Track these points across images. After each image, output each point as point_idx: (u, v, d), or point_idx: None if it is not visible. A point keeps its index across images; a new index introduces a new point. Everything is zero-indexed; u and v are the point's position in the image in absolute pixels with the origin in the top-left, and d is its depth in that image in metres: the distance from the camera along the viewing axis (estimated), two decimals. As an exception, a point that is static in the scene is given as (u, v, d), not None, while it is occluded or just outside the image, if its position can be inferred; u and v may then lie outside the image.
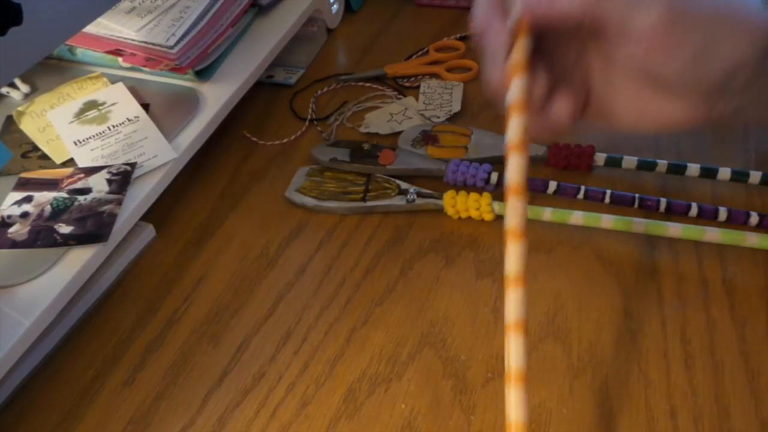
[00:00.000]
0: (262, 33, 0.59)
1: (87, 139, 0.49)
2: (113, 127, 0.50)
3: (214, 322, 0.43)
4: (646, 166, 0.48)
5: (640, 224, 0.44)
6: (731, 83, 0.30)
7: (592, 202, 0.47)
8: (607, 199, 0.46)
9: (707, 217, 0.45)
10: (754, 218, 0.44)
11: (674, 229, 0.43)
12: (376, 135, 0.55)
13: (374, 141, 0.53)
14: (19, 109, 0.52)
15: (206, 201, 0.51)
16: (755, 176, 0.47)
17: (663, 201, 0.45)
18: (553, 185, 0.47)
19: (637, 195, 0.46)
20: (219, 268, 0.46)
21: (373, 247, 0.46)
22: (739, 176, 0.47)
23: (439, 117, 0.55)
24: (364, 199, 0.48)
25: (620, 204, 0.46)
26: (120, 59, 0.55)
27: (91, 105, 0.52)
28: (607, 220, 0.44)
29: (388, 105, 0.58)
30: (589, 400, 0.36)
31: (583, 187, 0.47)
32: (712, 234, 0.43)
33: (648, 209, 0.46)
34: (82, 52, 0.56)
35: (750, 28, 0.29)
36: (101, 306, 0.44)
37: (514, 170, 0.29)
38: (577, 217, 0.44)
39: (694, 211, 0.45)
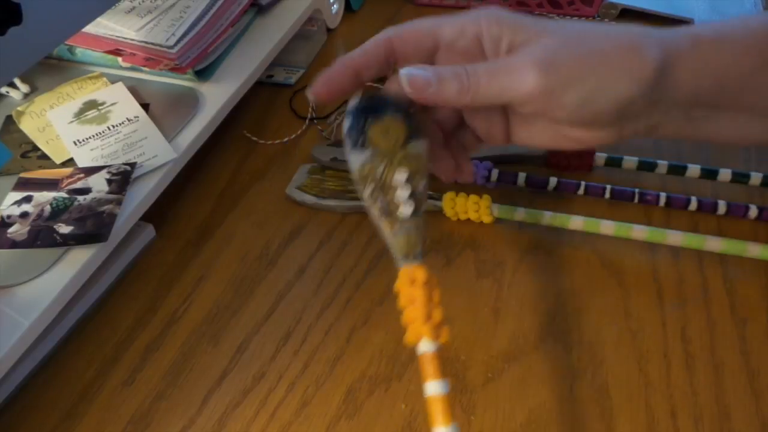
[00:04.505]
0: (262, 33, 0.59)
1: (87, 139, 0.49)
2: (113, 127, 0.50)
3: (214, 322, 0.43)
4: (646, 166, 0.48)
5: (641, 231, 0.43)
6: (628, 112, 0.31)
7: (592, 197, 0.47)
8: (607, 194, 0.46)
9: (706, 210, 0.45)
10: (753, 211, 0.44)
11: (675, 237, 0.43)
12: (376, 135, 0.55)
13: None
14: (19, 108, 0.52)
15: (206, 201, 0.51)
16: (756, 177, 0.47)
17: (663, 195, 0.46)
18: (553, 181, 0.47)
19: (637, 189, 0.46)
20: (219, 268, 0.46)
21: (374, 246, 0.46)
22: (740, 177, 0.47)
23: (439, 117, 0.55)
24: None
25: (620, 199, 0.46)
26: (120, 59, 0.54)
27: (91, 105, 0.52)
28: (607, 226, 0.44)
29: (388, 105, 0.58)
30: (589, 400, 0.36)
31: (583, 183, 0.47)
32: (714, 243, 0.43)
33: (648, 203, 0.46)
34: (81, 52, 0.56)
35: (633, 67, 0.30)
36: (101, 306, 0.44)
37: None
38: (576, 222, 0.44)
39: (693, 205, 0.45)
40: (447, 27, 0.33)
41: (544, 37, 0.31)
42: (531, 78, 0.30)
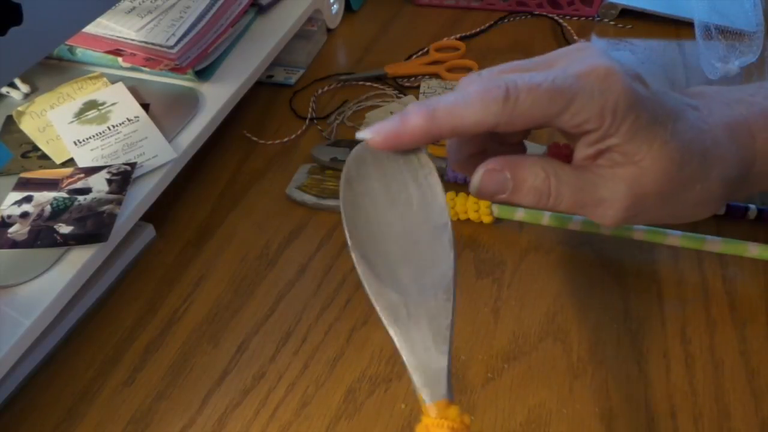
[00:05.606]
0: (262, 33, 0.59)
1: (87, 139, 0.49)
2: (113, 127, 0.50)
3: (214, 322, 0.43)
4: (646, 166, 0.48)
5: (641, 231, 0.43)
6: (714, 209, 0.32)
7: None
8: None
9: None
10: (752, 212, 0.44)
11: (675, 237, 0.43)
12: (376, 135, 0.55)
13: (374, 141, 0.53)
14: (19, 109, 0.52)
15: (206, 201, 0.51)
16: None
17: None
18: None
19: None
20: (219, 268, 0.46)
21: (373, 247, 0.46)
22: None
23: (439, 117, 0.55)
24: None
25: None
26: (120, 59, 0.55)
27: (91, 105, 0.52)
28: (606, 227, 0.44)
29: (388, 104, 0.58)
30: (589, 400, 0.36)
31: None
32: (713, 243, 0.43)
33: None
34: (82, 52, 0.56)
35: (709, 194, 0.30)
36: (101, 306, 0.44)
37: None
38: (576, 223, 0.44)
39: None
40: (566, 117, 0.28)
41: (645, 159, 0.28)
42: (611, 218, 0.30)
